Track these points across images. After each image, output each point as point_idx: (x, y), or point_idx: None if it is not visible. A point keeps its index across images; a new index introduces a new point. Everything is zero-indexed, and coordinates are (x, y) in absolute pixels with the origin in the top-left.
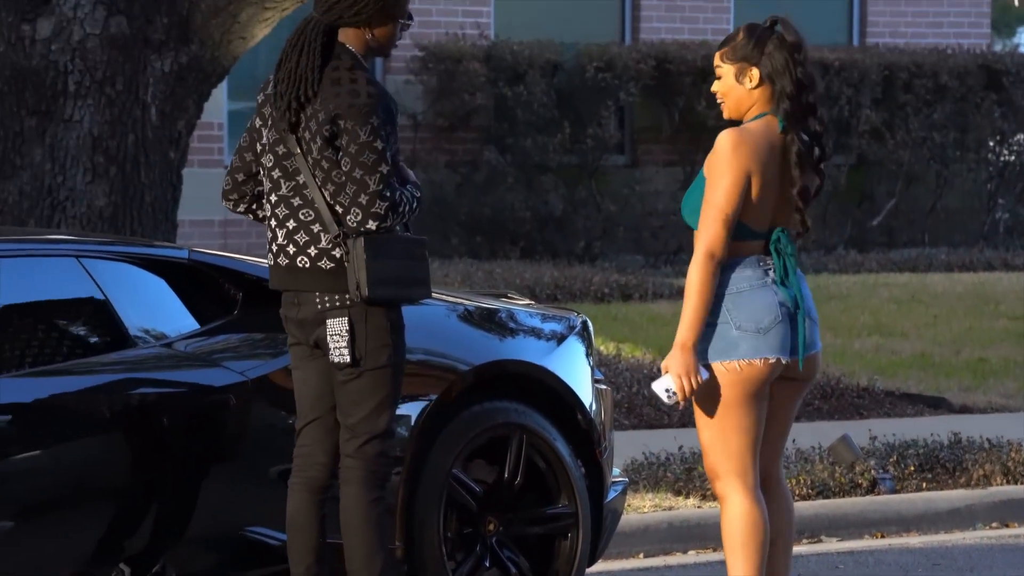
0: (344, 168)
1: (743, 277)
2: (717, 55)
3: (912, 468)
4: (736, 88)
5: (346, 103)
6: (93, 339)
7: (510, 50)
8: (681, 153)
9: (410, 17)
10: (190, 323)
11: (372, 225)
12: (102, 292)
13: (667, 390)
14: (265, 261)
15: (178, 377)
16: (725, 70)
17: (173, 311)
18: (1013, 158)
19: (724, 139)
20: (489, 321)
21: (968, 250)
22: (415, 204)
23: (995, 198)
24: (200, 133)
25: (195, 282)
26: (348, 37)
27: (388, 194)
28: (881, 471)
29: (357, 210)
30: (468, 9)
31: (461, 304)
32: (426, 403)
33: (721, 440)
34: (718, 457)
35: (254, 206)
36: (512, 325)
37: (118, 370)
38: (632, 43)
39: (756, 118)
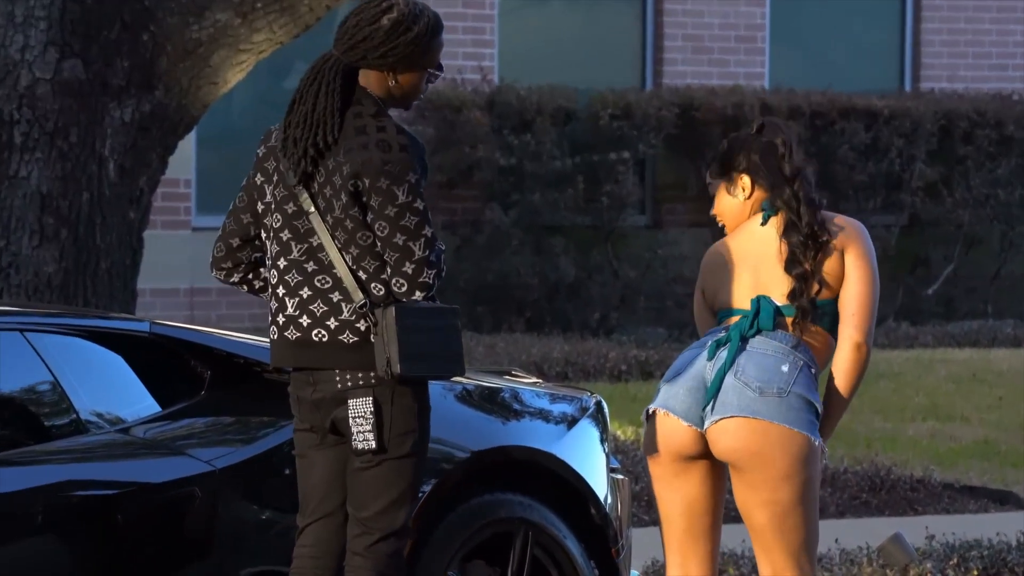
0: (380, 232)
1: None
2: (708, 175)
3: (975, 572)
4: (729, 201)
5: (378, 158)
6: (39, 424)
7: (516, 96)
8: (708, 213)
9: (440, 68)
10: (151, 405)
11: (419, 296)
12: (50, 370)
13: None
14: (237, 335)
15: (136, 468)
16: (714, 187)
17: (131, 392)
18: None
19: None
20: (491, 402)
21: None
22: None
23: None
24: (164, 191)
25: (157, 359)
26: (369, 81)
27: (434, 259)
28: None
29: (402, 280)
30: (469, 51)
31: (459, 383)
32: (420, 494)
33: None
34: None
35: (250, 275)
36: (517, 407)
37: (67, 460)
38: (654, 88)
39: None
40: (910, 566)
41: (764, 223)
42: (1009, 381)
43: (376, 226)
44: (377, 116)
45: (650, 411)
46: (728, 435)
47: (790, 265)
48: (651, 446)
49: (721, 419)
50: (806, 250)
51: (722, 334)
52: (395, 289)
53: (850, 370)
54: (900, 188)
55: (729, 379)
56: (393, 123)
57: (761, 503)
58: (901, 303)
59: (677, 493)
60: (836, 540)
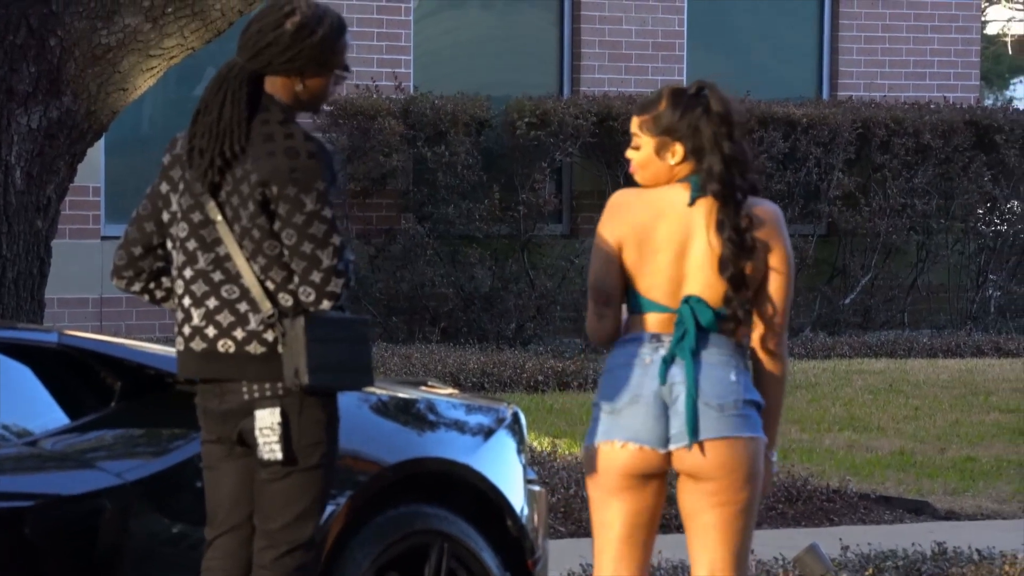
0: (288, 241)
1: (624, 352)
2: (636, 121)
3: None
4: (655, 162)
5: (285, 165)
6: None
7: (431, 104)
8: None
9: (347, 69)
10: (59, 418)
11: (326, 305)
12: None
13: None
14: (148, 345)
15: (44, 481)
16: (644, 141)
17: (39, 404)
18: (1005, 228)
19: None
20: (406, 413)
21: (954, 333)
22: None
23: (985, 273)
24: (73, 199)
25: (66, 370)
26: (275, 87)
27: (342, 268)
28: None
29: (310, 289)
30: (384, 58)
31: (374, 394)
32: (333, 508)
33: (594, 540)
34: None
35: (151, 284)
36: (432, 418)
37: None
38: (571, 96)
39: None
40: None
41: (691, 204)
42: (925, 392)
43: (284, 234)
44: (285, 123)
45: (616, 443)
46: (696, 456)
47: (723, 267)
48: (610, 471)
49: (692, 443)
50: (739, 250)
51: (662, 350)
52: (303, 299)
53: (780, 379)
54: (818, 197)
55: (688, 401)
56: (301, 130)
57: (715, 504)
58: (818, 313)
59: (624, 505)
60: (752, 551)
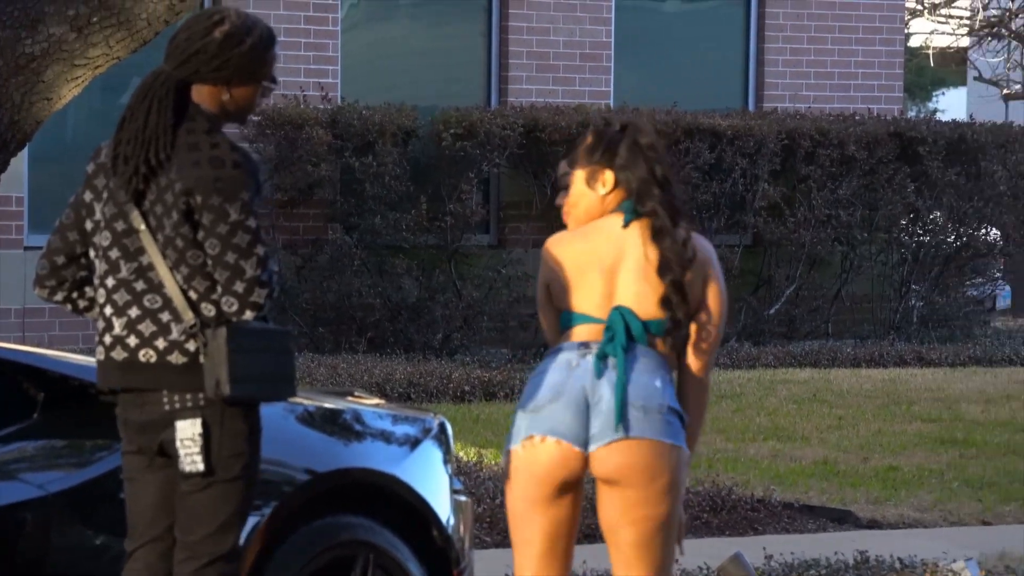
0: (211, 251)
1: (549, 359)
2: (563, 164)
3: None
4: (586, 195)
5: (209, 175)
6: None
7: (358, 115)
8: (553, 231)
9: (274, 80)
10: None
11: (249, 315)
12: None
13: None
14: (71, 356)
15: None
16: (575, 176)
17: None
18: (928, 239)
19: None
20: (332, 424)
21: (877, 343)
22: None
23: (908, 284)
24: None
25: None
26: (202, 96)
27: (266, 279)
28: None
29: (233, 299)
30: (311, 68)
31: (300, 404)
32: (259, 518)
33: (514, 555)
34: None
35: (74, 294)
36: (358, 428)
37: None
38: (498, 107)
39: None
40: None
41: (625, 225)
42: (849, 401)
43: (207, 244)
44: (210, 133)
45: (535, 438)
46: (618, 455)
47: (663, 271)
48: (529, 473)
49: (611, 441)
50: (680, 259)
51: (590, 356)
52: (225, 308)
53: (703, 402)
54: (743, 208)
55: (612, 400)
56: (227, 140)
57: (636, 519)
58: (743, 323)
59: (544, 517)
60: (676, 560)
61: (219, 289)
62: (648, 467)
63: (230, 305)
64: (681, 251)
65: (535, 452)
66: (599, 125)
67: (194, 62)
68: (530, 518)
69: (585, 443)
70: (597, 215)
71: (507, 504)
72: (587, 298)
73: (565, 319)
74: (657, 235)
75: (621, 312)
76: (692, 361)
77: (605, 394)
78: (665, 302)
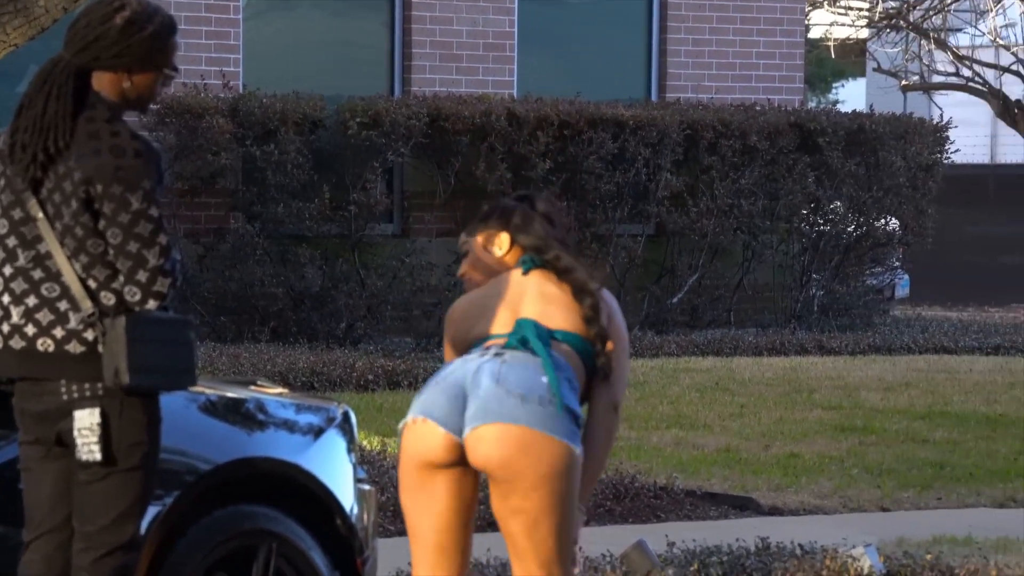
0: (113, 240)
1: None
2: (462, 235)
3: None
4: (484, 258)
5: (110, 164)
6: None
7: (260, 103)
8: (457, 221)
9: (175, 68)
10: None
11: (152, 305)
12: None
13: None
14: None
15: None
16: (472, 243)
17: None
18: (829, 228)
19: None
20: (235, 413)
21: (779, 331)
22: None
23: (808, 273)
24: None
25: None
26: (102, 83)
27: (169, 268)
28: None
29: (135, 289)
30: (212, 56)
31: (202, 393)
32: (160, 508)
33: (411, 549)
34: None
35: None
36: (261, 417)
37: None
38: (402, 97)
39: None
40: (652, 573)
41: (525, 273)
42: (751, 390)
43: (108, 233)
44: (111, 121)
45: (408, 421)
46: (487, 442)
47: (580, 295)
48: (404, 456)
49: (481, 425)
50: (591, 287)
51: (487, 354)
52: (128, 298)
53: (611, 433)
54: (647, 198)
55: (490, 386)
56: (127, 128)
57: (514, 510)
58: (646, 312)
59: (426, 507)
60: (580, 548)
61: (121, 279)
62: (519, 455)
63: (133, 295)
64: (591, 281)
65: (408, 434)
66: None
67: (94, 49)
68: (413, 509)
69: (459, 428)
70: (496, 273)
71: (400, 498)
72: (495, 324)
73: (475, 346)
74: (565, 272)
75: (528, 320)
76: (601, 400)
77: (484, 380)
78: (589, 321)
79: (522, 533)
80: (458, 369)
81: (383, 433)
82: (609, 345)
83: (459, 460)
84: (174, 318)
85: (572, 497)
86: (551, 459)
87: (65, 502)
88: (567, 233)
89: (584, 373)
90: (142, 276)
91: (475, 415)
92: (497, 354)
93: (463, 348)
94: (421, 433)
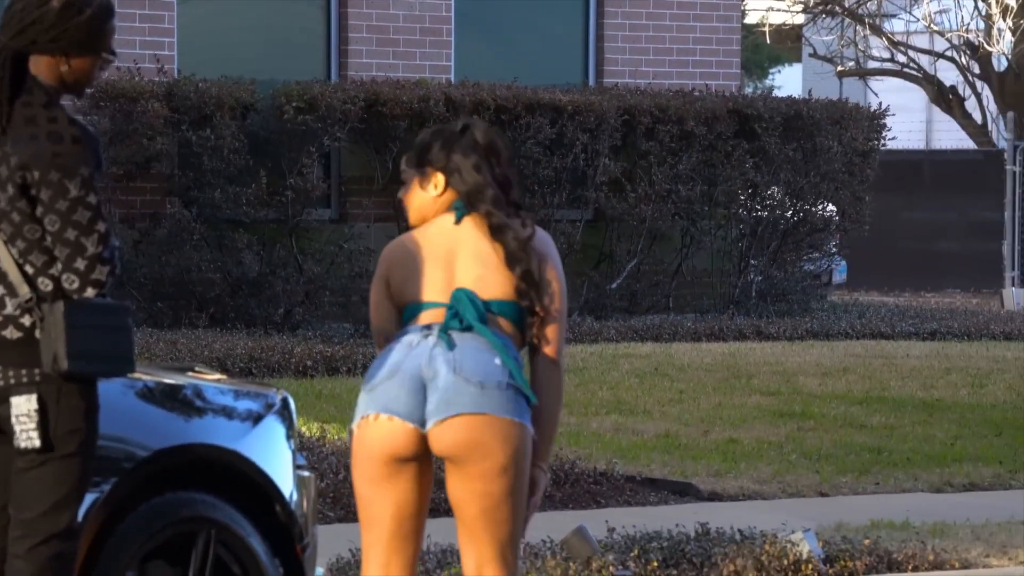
0: (51, 227)
1: (397, 340)
2: (403, 161)
3: (655, 563)
4: (419, 195)
5: (47, 150)
6: None
7: (195, 88)
8: (396, 206)
9: (113, 53)
10: None
11: (91, 293)
12: None
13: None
14: None
15: None
16: (407, 176)
17: None
18: (766, 214)
19: None
20: (172, 399)
21: (717, 317)
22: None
23: (747, 258)
24: None
25: None
26: (39, 68)
27: (108, 256)
28: (620, 567)
29: (74, 277)
30: (147, 40)
31: (140, 380)
32: (97, 495)
33: (362, 536)
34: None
35: None
36: (199, 403)
37: None
38: (339, 81)
39: (459, 218)
40: (592, 559)
41: (457, 221)
42: (690, 375)
43: (46, 220)
44: (48, 107)
45: (370, 417)
46: (454, 431)
47: (512, 262)
48: (366, 451)
49: (447, 417)
50: (524, 248)
51: (432, 337)
52: (66, 286)
53: (557, 387)
54: (585, 183)
55: (449, 376)
56: (65, 113)
57: (477, 494)
58: (585, 298)
59: (388, 496)
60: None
61: (59, 266)
62: (485, 442)
63: (71, 283)
64: (525, 242)
65: (369, 430)
66: (439, 125)
67: (31, 32)
68: (374, 498)
69: (422, 421)
70: (431, 215)
71: (353, 484)
72: (429, 287)
73: (410, 311)
74: (497, 231)
75: (464, 292)
76: (543, 347)
77: (441, 370)
78: (521, 293)
79: (481, 516)
80: (408, 358)
81: (322, 419)
82: (554, 288)
83: (424, 451)
84: (112, 304)
85: (527, 477)
86: (516, 441)
87: (2, 489)
88: (510, 166)
89: (520, 340)
90: (80, 264)
91: (438, 408)
92: (441, 336)
93: (396, 302)
94: (387, 429)
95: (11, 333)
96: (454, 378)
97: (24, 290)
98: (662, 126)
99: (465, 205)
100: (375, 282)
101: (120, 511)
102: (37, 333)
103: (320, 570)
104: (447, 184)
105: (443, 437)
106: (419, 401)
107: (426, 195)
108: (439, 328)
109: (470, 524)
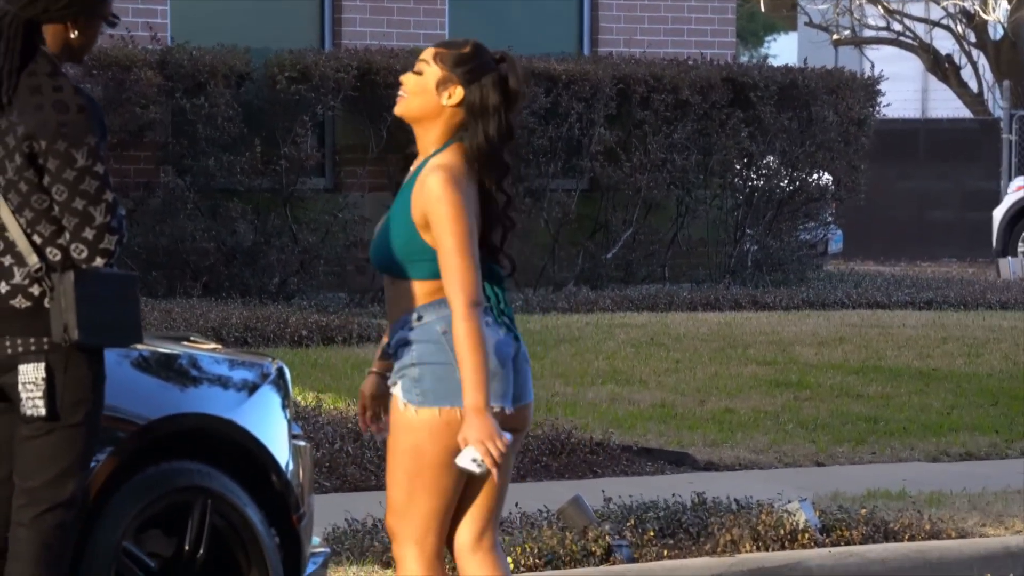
0: (59, 197)
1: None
2: (431, 50)
3: (651, 533)
4: (430, 94)
5: (54, 119)
6: None
7: (188, 56)
8: (390, 176)
9: (116, 17)
10: None
11: (99, 263)
12: None
13: (474, 460)
14: None
15: None
16: (430, 71)
17: None
18: (762, 183)
19: (440, 179)
20: (168, 369)
21: (713, 287)
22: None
23: (742, 228)
24: None
25: None
26: (46, 35)
27: (116, 225)
28: (617, 537)
29: (82, 246)
30: (140, 7)
31: (135, 349)
32: (93, 465)
33: (407, 499)
34: (399, 518)
35: None
36: (195, 373)
37: None
38: (333, 50)
39: (445, 146)
40: (589, 528)
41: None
42: (685, 345)
43: (54, 190)
44: (53, 75)
45: (497, 408)
46: (529, 411)
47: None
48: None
49: (531, 400)
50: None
51: (502, 322)
52: (75, 256)
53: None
54: (580, 153)
55: (527, 369)
56: (70, 83)
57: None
58: (581, 268)
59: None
60: (516, 504)
61: (67, 235)
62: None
63: (79, 252)
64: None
65: (518, 414)
66: (481, 44)
67: (42, 1)
68: (452, 470)
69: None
70: (428, 118)
71: (428, 453)
72: (477, 259)
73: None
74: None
75: (497, 287)
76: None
77: (524, 365)
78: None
79: (492, 485)
80: (510, 346)
81: (318, 389)
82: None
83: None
84: (121, 274)
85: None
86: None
87: (7, 457)
88: (517, 116)
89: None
90: (89, 234)
91: (527, 392)
92: (508, 328)
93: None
94: (503, 417)
95: (20, 302)
96: (528, 369)
97: (33, 260)
98: (657, 95)
99: (469, 143)
100: (464, 211)
101: (116, 481)
102: (46, 303)
103: (316, 539)
104: (462, 102)
105: (527, 414)
106: (518, 384)
107: (436, 98)
108: (506, 310)
109: (488, 489)
